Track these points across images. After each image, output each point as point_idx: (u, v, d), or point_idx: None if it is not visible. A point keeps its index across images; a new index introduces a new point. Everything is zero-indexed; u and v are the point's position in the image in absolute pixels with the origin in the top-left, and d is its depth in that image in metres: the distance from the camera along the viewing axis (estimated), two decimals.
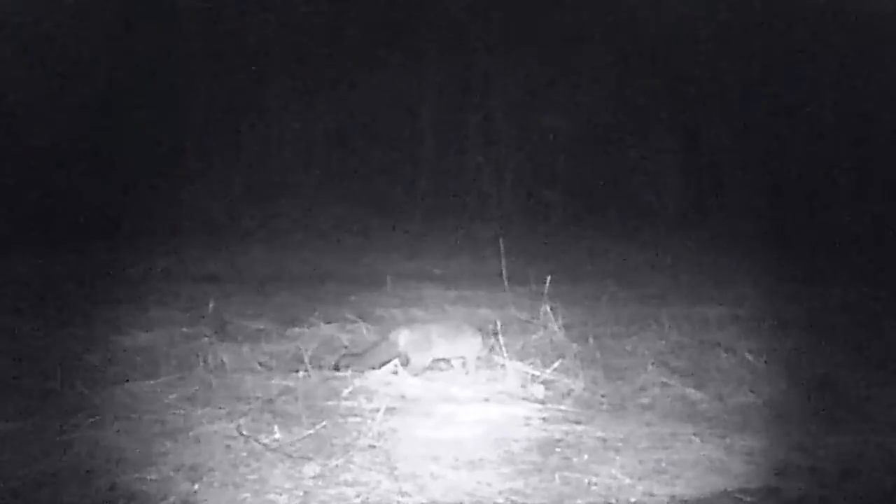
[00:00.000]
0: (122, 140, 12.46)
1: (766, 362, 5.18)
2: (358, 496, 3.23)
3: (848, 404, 4.46)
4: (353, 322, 6.13)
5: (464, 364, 5.04)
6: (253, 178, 14.00)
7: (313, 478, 3.38)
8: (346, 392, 4.50)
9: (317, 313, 6.39)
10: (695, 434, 3.94)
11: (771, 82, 13.59)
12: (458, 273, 9.18)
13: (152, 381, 4.66)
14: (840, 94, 13.10)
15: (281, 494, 3.23)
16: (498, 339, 5.18)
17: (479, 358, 5.05)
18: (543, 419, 4.17)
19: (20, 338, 5.63)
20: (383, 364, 4.85)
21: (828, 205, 12.86)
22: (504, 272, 6.41)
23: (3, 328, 5.82)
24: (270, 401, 4.36)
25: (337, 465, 3.50)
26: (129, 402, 4.32)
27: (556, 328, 5.68)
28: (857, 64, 12.73)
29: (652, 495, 3.28)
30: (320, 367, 4.93)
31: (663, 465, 3.58)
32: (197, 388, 4.58)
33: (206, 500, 3.19)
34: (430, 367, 4.95)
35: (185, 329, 5.85)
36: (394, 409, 4.22)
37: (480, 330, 5.15)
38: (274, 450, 3.66)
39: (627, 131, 14.79)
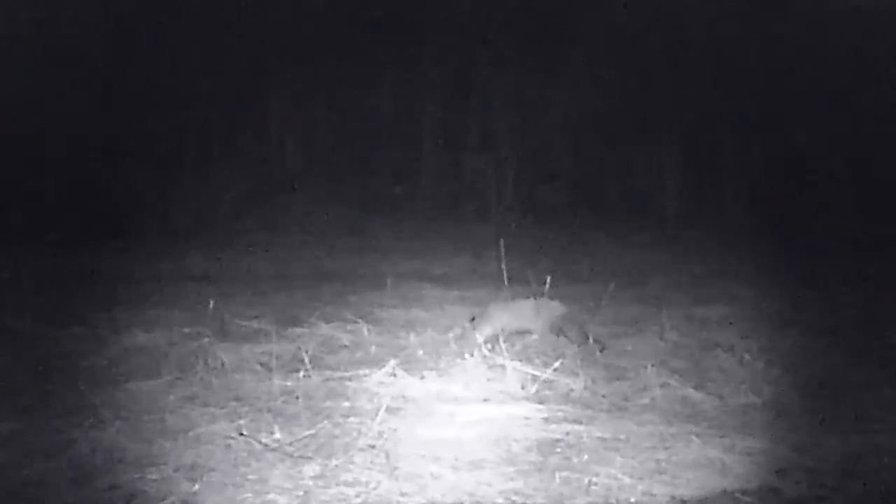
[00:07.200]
0: (122, 140, 12.45)
1: (766, 362, 5.18)
2: (358, 496, 3.24)
3: (848, 404, 4.46)
4: (353, 322, 6.12)
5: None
6: (253, 178, 13.98)
7: (313, 478, 3.39)
8: (346, 392, 4.50)
9: (317, 313, 6.39)
10: (695, 434, 3.94)
11: (771, 82, 13.59)
12: (458, 273, 9.17)
13: (152, 381, 4.66)
14: (840, 93, 13.08)
15: (281, 494, 3.23)
16: (498, 339, 5.19)
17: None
18: (543, 419, 4.16)
19: (20, 338, 5.63)
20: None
21: (828, 205, 12.84)
22: (504, 272, 6.40)
23: (3, 328, 5.82)
24: (270, 401, 4.37)
25: (337, 465, 3.50)
26: (129, 402, 4.32)
27: None
28: (858, 63, 12.72)
29: (652, 495, 3.28)
30: (320, 367, 4.93)
31: (663, 465, 3.58)
32: (197, 388, 4.59)
33: (206, 500, 3.19)
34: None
35: (185, 329, 5.84)
36: (394, 409, 4.22)
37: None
38: (274, 450, 3.66)
39: (627, 131, 14.77)
